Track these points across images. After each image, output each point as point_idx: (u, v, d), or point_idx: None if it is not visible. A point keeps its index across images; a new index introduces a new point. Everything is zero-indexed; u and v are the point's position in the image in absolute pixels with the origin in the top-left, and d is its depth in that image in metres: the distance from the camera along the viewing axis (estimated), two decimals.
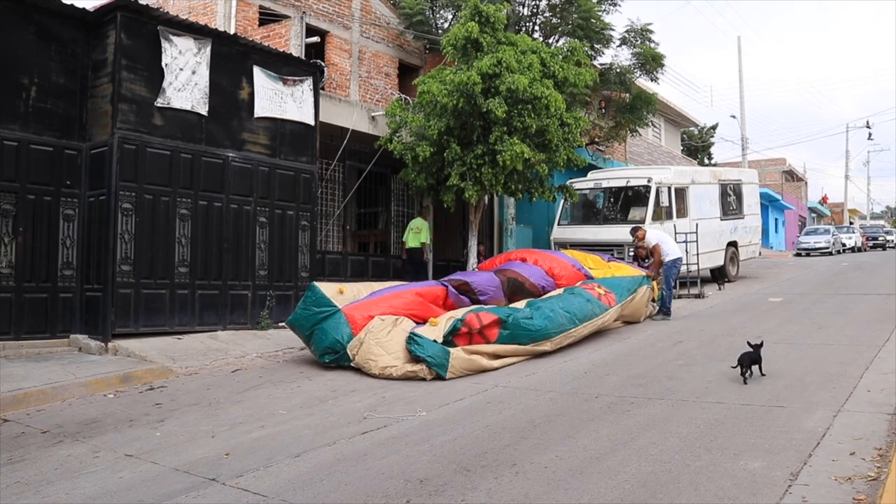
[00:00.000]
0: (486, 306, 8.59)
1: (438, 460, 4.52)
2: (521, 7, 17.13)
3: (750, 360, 6.32)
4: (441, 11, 16.88)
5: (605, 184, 15.35)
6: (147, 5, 9.09)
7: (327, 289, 8.40)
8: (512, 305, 8.92)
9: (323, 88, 12.74)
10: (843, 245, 33.51)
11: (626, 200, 15.01)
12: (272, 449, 4.93)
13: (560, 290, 9.66)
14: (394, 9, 16.33)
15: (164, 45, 9.04)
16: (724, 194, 16.84)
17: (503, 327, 7.82)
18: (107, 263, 8.55)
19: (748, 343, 6.50)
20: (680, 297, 12.94)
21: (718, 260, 16.07)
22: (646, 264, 11.47)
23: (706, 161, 39.35)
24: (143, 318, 8.78)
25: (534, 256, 11.16)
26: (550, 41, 16.59)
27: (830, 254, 30.56)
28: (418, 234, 13.62)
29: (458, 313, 8.04)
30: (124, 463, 4.75)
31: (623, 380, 6.74)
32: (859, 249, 35.70)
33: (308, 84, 10.96)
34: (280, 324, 10.02)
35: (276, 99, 10.45)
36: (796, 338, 8.64)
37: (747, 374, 6.27)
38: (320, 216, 12.05)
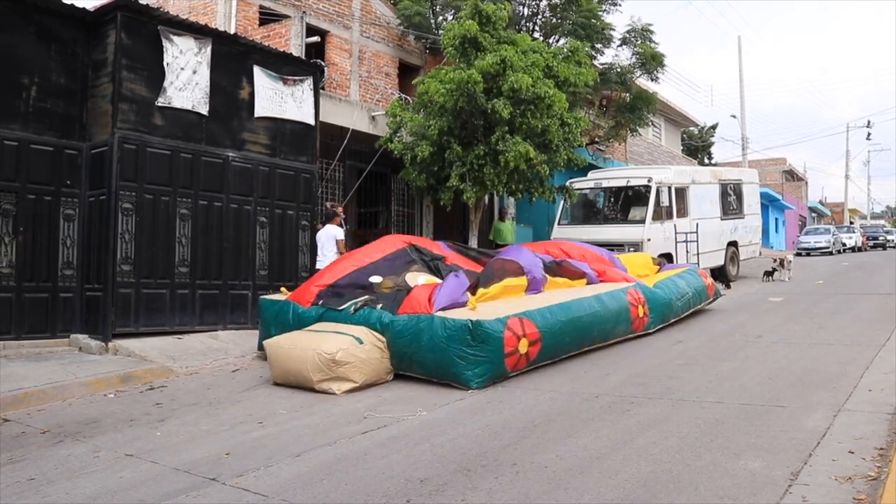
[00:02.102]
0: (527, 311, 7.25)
1: (439, 460, 4.52)
2: (521, 7, 17.13)
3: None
4: (441, 11, 16.88)
5: (605, 183, 15.36)
6: (147, 5, 9.09)
7: (272, 295, 8.76)
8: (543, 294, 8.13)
9: (323, 88, 12.74)
10: (844, 245, 33.54)
11: (627, 200, 15.01)
12: (272, 448, 4.93)
13: (602, 291, 8.57)
14: (394, 8, 16.33)
15: (165, 44, 9.04)
16: (724, 194, 16.85)
17: (542, 342, 7.10)
18: (107, 263, 8.54)
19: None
20: None
21: (719, 260, 16.08)
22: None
23: (706, 161, 39.33)
24: (143, 317, 8.78)
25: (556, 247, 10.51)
26: (551, 41, 16.59)
27: (831, 253, 30.57)
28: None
29: (503, 308, 7.09)
30: (124, 462, 4.75)
31: (623, 379, 6.74)
32: (859, 249, 35.72)
33: (308, 84, 10.95)
34: None
35: (276, 99, 10.45)
36: (796, 337, 8.64)
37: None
38: (321, 216, 12.04)
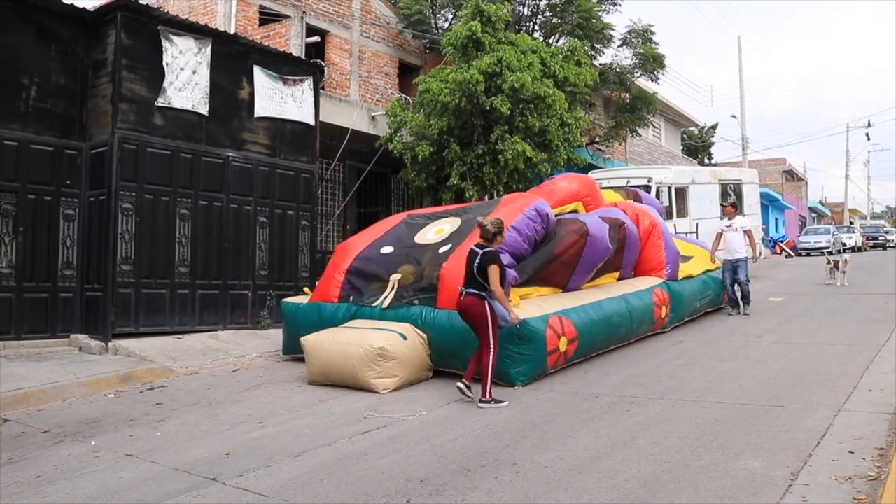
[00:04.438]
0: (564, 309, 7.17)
1: (439, 460, 4.52)
2: (521, 7, 17.14)
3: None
4: (441, 11, 16.89)
5: (605, 183, 15.29)
6: (147, 5, 9.09)
7: (294, 299, 8.80)
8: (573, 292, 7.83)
9: (323, 88, 12.74)
10: (844, 245, 33.51)
11: None
12: (272, 448, 4.92)
13: (629, 292, 8.47)
14: (394, 8, 16.34)
15: (165, 44, 9.05)
16: (724, 194, 16.86)
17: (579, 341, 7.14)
18: (107, 263, 8.54)
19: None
20: None
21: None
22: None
23: (706, 161, 39.33)
24: (143, 317, 8.78)
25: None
26: (550, 41, 16.61)
27: (831, 253, 30.55)
28: None
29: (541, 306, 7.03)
30: (124, 462, 4.75)
31: (623, 379, 6.73)
32: (859, 249, 35.70)
33: (308, 84, 10.96)
34: (280, 324, 10.02)
35: (276, 99, 10.45)
36: (796, 337, 8.63)
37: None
38: (320, 216, 12.04)
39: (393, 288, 7.47)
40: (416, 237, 8.23)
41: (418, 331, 6.97)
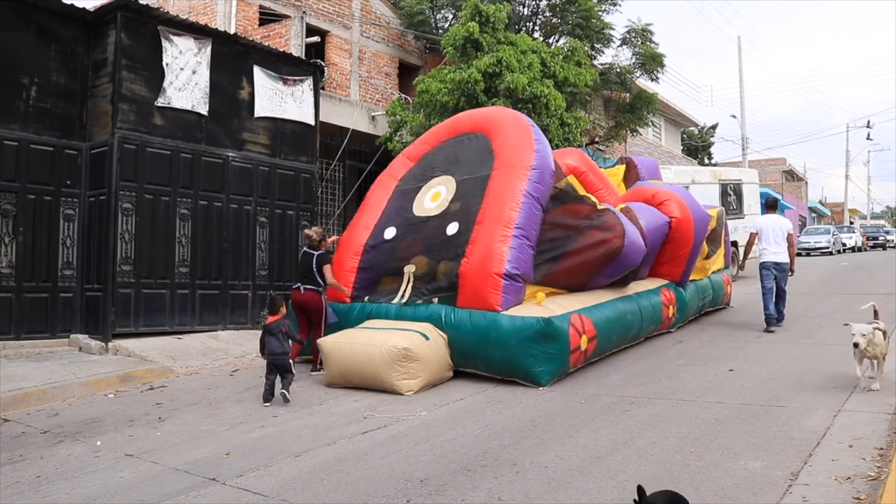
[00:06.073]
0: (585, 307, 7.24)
1: (439, 460, 4.52)
2: (521, 7, 17.14)
3: None
4: (442, 11, 16.90)
5: None
6: (147, 5, 9.09)
7: None
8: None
9: (323, 88, 12.74)
10: (844, 245, 33.51)
11: None
12: (272, 449, 4.93)
13: (640, 290, 8.51)
14: (394, 8, 16.35)
15: (165, 44, 9.05)
16: (724, 194, 16.88)
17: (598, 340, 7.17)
18: (107, 263, 8.55)
19: None
20: None
21: None
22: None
23: (706, 161, 39.34)
24: (143, 317, 8.78)
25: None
26: (550, 41, 16.61)
27: (831, 253, 30.56)
28: None
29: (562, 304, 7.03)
30: (124, 462, 4.75)
31: (623, 379, 6.74)
32: (859, 249, 35.70)
33: (308, 84, 10.96)
34: None
35: (276, 99, 10.45)
36: (796, 337, 8.63)
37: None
38: (320, 216, 12.05)
39: (409, 281, 7.38)
40: (414, 208, 7.93)
41: (440, 331, 6.86)
